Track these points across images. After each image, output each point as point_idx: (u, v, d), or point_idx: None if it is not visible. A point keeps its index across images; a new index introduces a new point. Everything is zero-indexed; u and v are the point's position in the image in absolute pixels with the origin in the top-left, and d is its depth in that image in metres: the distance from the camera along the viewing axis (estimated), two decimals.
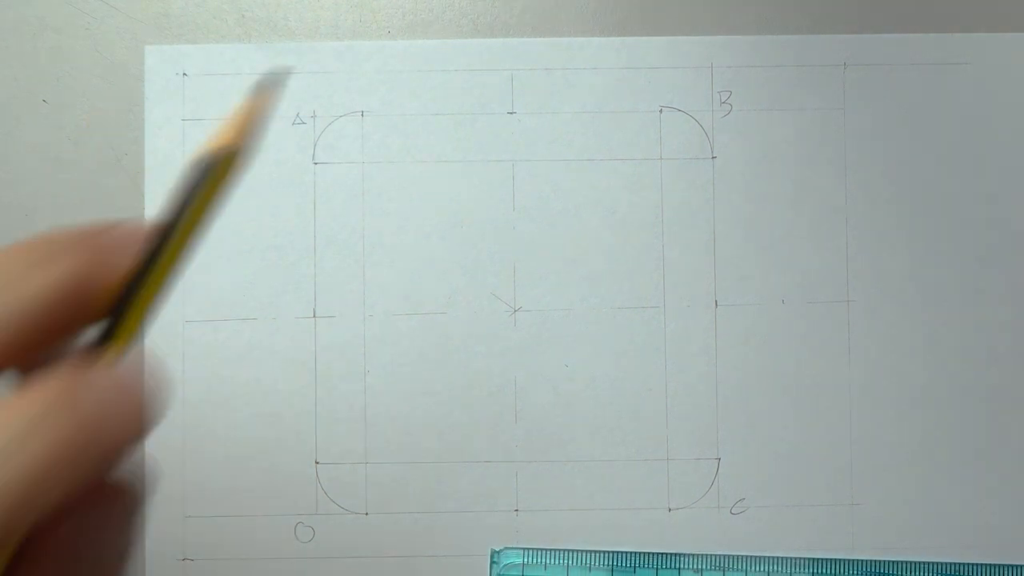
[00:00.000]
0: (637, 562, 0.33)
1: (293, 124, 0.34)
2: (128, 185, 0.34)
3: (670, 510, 0.33)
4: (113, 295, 0.19)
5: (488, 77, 0.34)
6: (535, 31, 0.34)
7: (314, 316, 0.33)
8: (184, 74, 0.34)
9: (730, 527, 0.33)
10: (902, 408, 0.33)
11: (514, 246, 0.34)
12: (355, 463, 0.33)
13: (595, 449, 0.33)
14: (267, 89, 0.20)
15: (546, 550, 0.33)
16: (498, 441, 0.33)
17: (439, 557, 0.33)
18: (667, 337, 0.33)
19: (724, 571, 0.33)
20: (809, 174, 0.34)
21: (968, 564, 0.33)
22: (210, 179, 0.20)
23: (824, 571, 0.33)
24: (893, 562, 0.33)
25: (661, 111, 0.34)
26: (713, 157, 0.34)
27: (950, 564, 0.33)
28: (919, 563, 0.33)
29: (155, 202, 0.33)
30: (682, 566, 0.33)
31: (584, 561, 0.33)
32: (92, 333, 0.19)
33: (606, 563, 0.33)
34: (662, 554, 0.33)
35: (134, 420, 0.19)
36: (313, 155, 0.34)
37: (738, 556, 0.33)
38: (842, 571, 0.33)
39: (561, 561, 0.33)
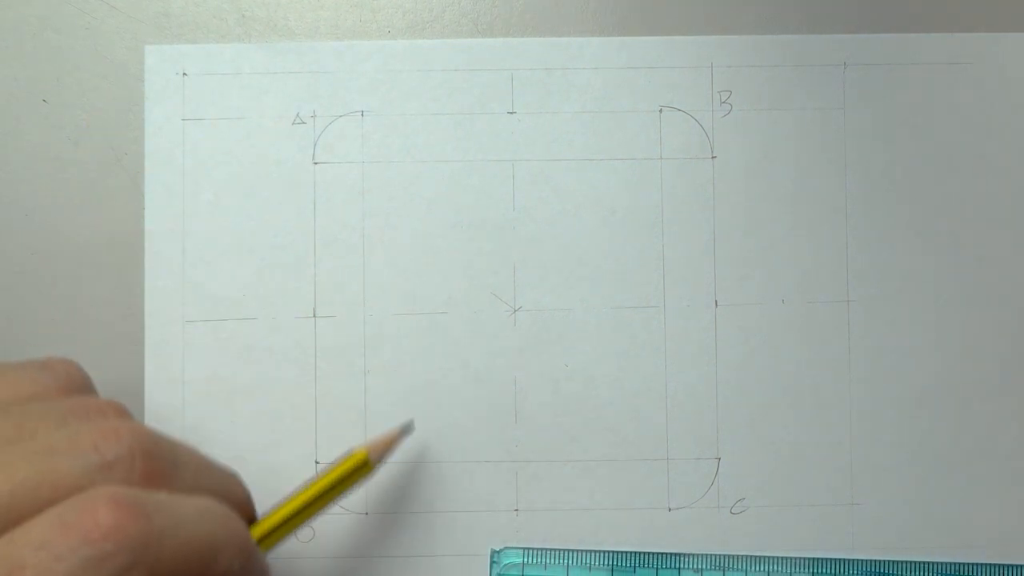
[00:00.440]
0: (637, 562, 0.33)
1: (293, 124, 0.34)
2: (128, 185, 0.34)
3: (670, 510, 0.33)
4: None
5: (488, 77, 0.34)
6: (535, 31, 0.34)
7: (314, 316, 0.33)
8: (184, 74, 0.34)
9: (730, 527, 0.33)
10: (902, 408, 0.33)
11: (514, 246, 0.34)
12: None
13: (595, 449, 0.33)
14: (407, 430, 0.31)
15: (546, 550, 0.33)
16: (498, 441, 0.33)
17: (439, 557, 0.33)
18: (667, 337, 0.33)
19: (724, 571, 0.33)
20: (809, 174, 0.34)
21: (968, 564, 0.33)
22: (351, 474, 0.29)
23: (824, 571, 0.33)
24: (893, 562, 0.33)
25: (661, 111, 0.34)
26: (713, 157, 0.34)
27: (950, 564, 0.33)
28: (919, 563, 0.33)
29: (155, 202, 0.33)
30: (682, 566, 0.33)
31: (584, 561, 0.33)
32: None
33: (606, 563, 0.33)
34: (662, 554, 0.33)
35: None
36: (313, 155, 0.34)
37: (738, 556, 0.33)
38: (842, 571, 0.33)
39: (561, 561, 0.33)
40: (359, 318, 0.33)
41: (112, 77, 0.34)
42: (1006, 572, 0.33)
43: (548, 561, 0.33)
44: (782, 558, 0.33)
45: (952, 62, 0.34)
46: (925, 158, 0.34)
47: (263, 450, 0.33)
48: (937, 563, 0.33)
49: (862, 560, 0.33)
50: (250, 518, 0.27)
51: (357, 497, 0.33)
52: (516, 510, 0.33)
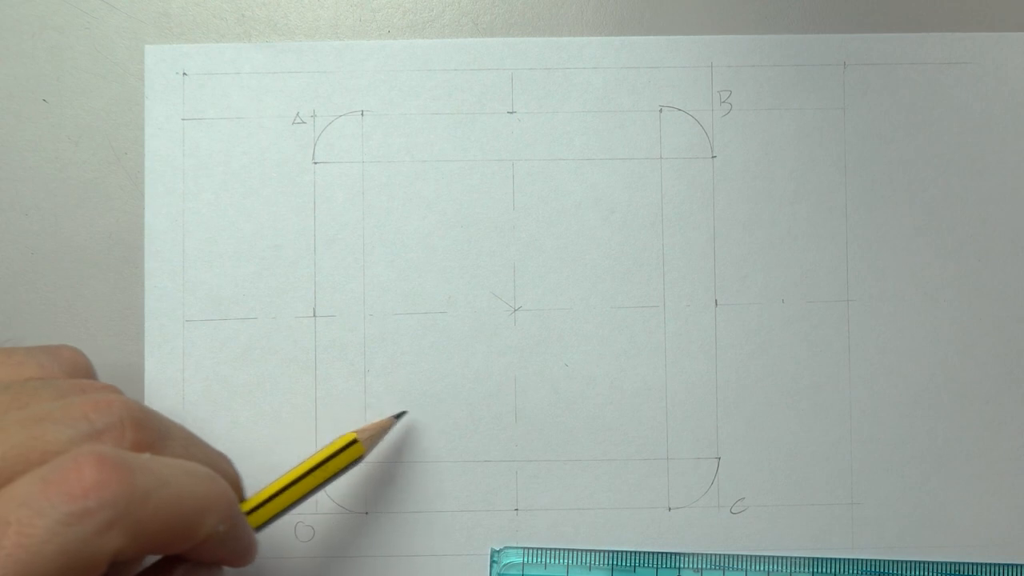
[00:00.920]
0: (637, 562, 0.33)
1: (293, 124, 0.34)
2: (128, 185, 0.34)
3: (670, 510, 0.33)
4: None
5: (488, 77, 0.34)
6: (535, 31, 0.34)
7: (314, 316, 0.33)
8: (184, 74, 0.34)
9: (730, 527, 0.33)
10: (902, 408, 0.33)
11: (514, 246, 0.34)
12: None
13: (595, 449, 0.33)
14: (399, 417, 0.32)
15: (546, 550, 0.33)
16: (498, 441, 0.33)
17: (439, 557, 0.33)
18: (667, 337, 0.33)
19: (724, 571, 0.33)
20: (809, 174, 0.34)
21: (968, 564, 0.33)
22: (341, 455, 0.30)
23: (824, 571, 0.33)
24: (893, 562, 0.33)
25: (661, 111, 0.34)
26: (713, 157, 0.34)
27: (950, 564, 0.33)
28: (919, 563, 0.33)
29: (155, 202, 0.33)
30: (682, 566, 0.33)
31: (584, 561, 0.33)
32: None
33: (606, 563, 0.33)
34: (662, 554, 0.33)
35: None
36: (313, 155, 0.34)
37: (738, 556, 0.33)
38: (842, 571, 0.33)
39: (561, 561, 0.33)
40: (359, 318, 0.33)
41: (112, 77, 0.34)
42: (1006, 572, 0.33)
43: (548, 561, 0.33)
44: (782, 558, 0.33)
45: (952, 62, 0.34)
46: (925, 158, 0.34)
47: (263, 450, 0.33)
48: (937, 563, 0.33)
49: (862, 560, 0.33)
50: (239, 498, 0.27)
51: (357, 497, 0.33)
52: (516, 510, 0.33)
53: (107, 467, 0.21)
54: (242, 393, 0.33)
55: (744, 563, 0.33)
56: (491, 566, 0.33)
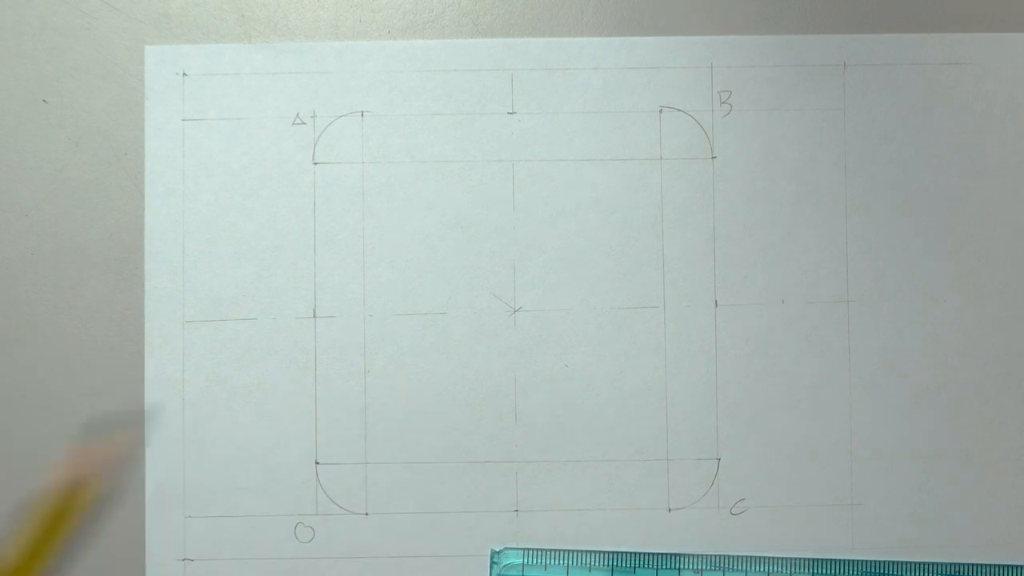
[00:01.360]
0: (637, 562, 0.33)
1: (293, 124, 0.34)
2: (128, 185, 0.34)
3: (670, 510, 0.33)
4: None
5: (488, 77, 0.34)
6: (535, 31, 0.34)
7: (314, 316, 0.33)
8: (184, 74, 0.34)
9: (730, 527, 0.33)
10: (902, 408, 0.33)
11: (514, 246, 0.34)
12: (355, 463, 0.33)
13: (595, 449, 0.33)
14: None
15: (546, 550, 0.33)
16: (498, 441, 0.33)
17: (439, 557, 0.33)
18: (667, 337, 0.33)
19: (724, 571, 0.33)
20: (809, 174, 0.34)
21: (968, 564, 0.33)
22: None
23: (824, 571, 0.33)
24: (893, 562, 0.33)
25: (661, 111, 0.34)
26: (713, 157, 0.34)
27: (950, 564, 0.33)
28: (919, 563, 0.33)
29: (155, 202, 0.33)
30: (682, 566, 0.33)
31: (584, 561, 0.33)
32: None
33: (606, 563, 0.33)
34: (662, 554, 0.33)
35: None
36: (313, 155, 0.34)
37: (738, 556, 0.33)
38: (842, 571, 0.33)
39: (561, 561, 0.33)
40: (359, 318, 0.33)
41: (112, 77, 0.34)
42: (1006, 572, 0.33)
43: (548, 561, 0.33)
44: (782, 558, 0.33)
45: (952, 62, 0.34)
46: (925, 158, 0.34)
47: (263, 450, 0.33)
48: (937, 563, 0.33)
49: (862, 560, 0.33)
50: None
51: (357, 497, 0.33)
52: (516, 510, 0.33)
53: None
54: (242, 394, 0.33)
55: (744, 564, 0.33)
56: (491, 567, 0.33)
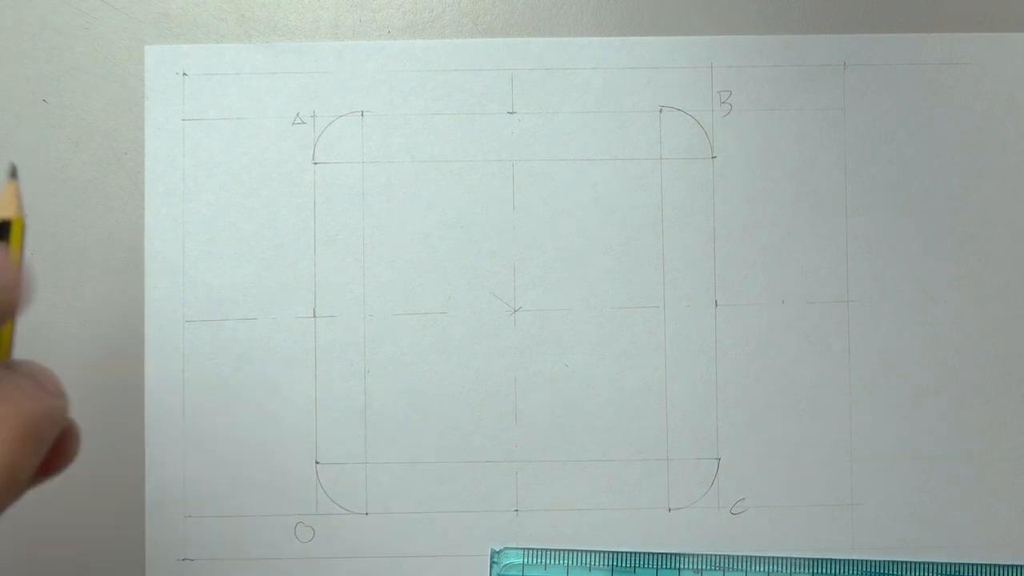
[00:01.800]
0: (637, 562, 0.33)
1: (293, 124, 0.34)
2: (128, 185, 0.34)
3: (670, 510, 0.33)
4: None
5: (488, 77, 0.34)
6: (535, 31, 0.34)
7: (314, 316, 0.33)
8: (184, 74, 0.34)
9: (730, 527, 0.33)
10: (902, 408, 0.33)
11: (514, 246, 0.34)
12: (355, 463, 0.33)
13: (595, 449, 0.33)
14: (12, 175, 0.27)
15: (546, 550, 0.33)
16: (498, 441, 0.33)
17: (439, 557, 0.33)
18: (667, 337, 0.33)
19: (724, 571, 0.33)
20: (809, 174, 0.34)
21: (968, 564, 0.33)
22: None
23: (824, 571, 0.33)
24: (893, 562, 0.33)
25: (661, 111, 0.34)
26: (713, 157, 0.34)
27: (950, 564, 0.33)
28: (919, 563, 0.33)
29: (155, 202, 0.33)
30: (682, 566, 0.33)
31: (584, 561, 0.33)
32: None
33: (606, 563, 0.33)
34: (662, 554, 0.33)
35: None
36: (313, 155, 0.34)
37: (738, 556, 0.33)
38: (842, 571, 0.33)
39: (561, 561, 0.33)
40: (359, 318, 0.33)
41: (112, 77, 0.34)
42: (1006, 572, 0.33)
43: (548, 561, 0.33)
44: (782, 558, 0.33)
45: (952, 62, 0.34)
46: (925, 158, 0.34)
47: (263, 450, 0.33)
48: (937, 563, 0.33)
49: (862, 560, 0.33)
50: None
51: (357, 497, 0.33)
52: (516, 510, 0.33)
53: None
54: (242, 393, 0.33)
55: (744, 564, 0.33)
56: (491, 567, 0.33)
